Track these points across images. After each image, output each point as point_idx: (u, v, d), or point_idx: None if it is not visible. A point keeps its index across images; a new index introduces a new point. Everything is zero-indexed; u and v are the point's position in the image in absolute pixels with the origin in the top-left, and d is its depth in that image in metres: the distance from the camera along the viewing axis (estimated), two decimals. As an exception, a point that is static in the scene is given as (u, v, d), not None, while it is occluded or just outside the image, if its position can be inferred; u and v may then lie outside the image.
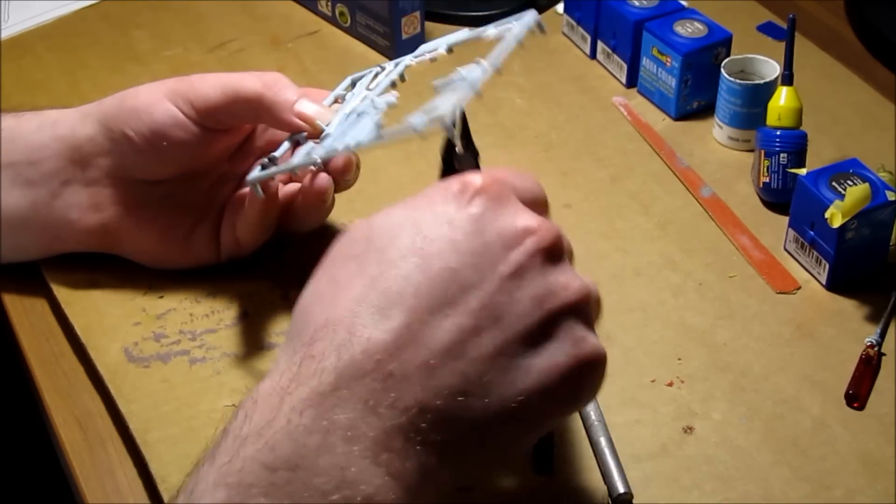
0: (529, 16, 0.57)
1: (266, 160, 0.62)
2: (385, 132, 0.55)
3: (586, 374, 0.48)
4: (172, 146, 0.64)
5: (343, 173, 0.64)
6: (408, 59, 0.64)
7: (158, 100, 0.64)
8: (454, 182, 0.48)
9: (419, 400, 0.45)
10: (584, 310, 0.48)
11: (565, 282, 0.47)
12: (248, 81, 0.63)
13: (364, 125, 0.58)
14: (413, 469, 0.45)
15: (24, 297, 0.70)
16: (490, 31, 0.59)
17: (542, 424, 0.49)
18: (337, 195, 0.67)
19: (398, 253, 0.46)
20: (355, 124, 0.59)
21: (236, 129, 0.67)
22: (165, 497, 0.57)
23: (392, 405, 0.44)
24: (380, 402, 0.44)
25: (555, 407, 0.48)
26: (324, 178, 0.63)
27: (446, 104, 0.51)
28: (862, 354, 0.64)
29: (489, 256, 0.46)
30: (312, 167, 0.63)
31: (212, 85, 0.63)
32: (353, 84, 0.66)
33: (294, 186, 0.67)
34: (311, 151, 0.60)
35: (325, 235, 0.71)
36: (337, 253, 0.49)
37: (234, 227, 0.67)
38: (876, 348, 0.65)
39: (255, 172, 0.62)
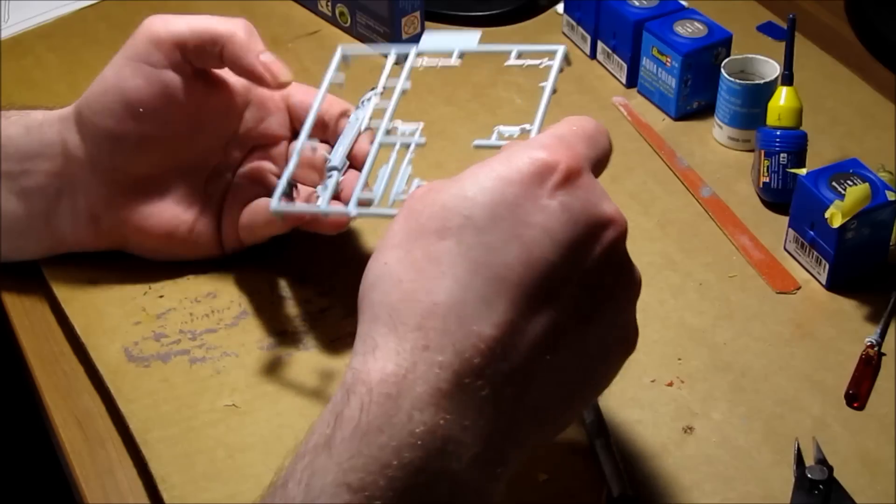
0: (560, 53, 0.59)
1: (286, 185, 0.61)
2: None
3: (629, 350, 0.50)
4: (151, 111, 0.62)
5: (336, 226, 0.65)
6: (412, 62, 0.63)
7: (122, 65, 0.62)
8: (539, 157, 0.46)
9: (524, 401, 0.45)
10: (638, 293, 0.50)
11: (633, 270, 0.49)
12: (217, 21, 0.62)
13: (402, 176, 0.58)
14: (509, 467, 0.46)
15: (24, 297, 0.70)
16: (512, 60, 0.60)
17: (583, 401, 0.52)
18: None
19: (500, 237, 0.45)
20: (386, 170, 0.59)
21: (215, 86, 0.65)
22: (165, 497, 0.57)
23: (500, 408, 0.45)
24: (486, 403, 0.44)
25: (600, 385, 0.51)
26: (346, 217, 0.62)
27: None
28: (862, 354, 0.64)
29: (579, 249, 0.46)
30: (345, 216, 0.61)
31: (179, 23, 0.62)
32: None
33: (267, 165, 0.68)
34: (348, 207, 0.59)
35: (324, 235, 0.71)
36: (429, 223, 0.46)
37: (236, 225, 0.67)
38: (876, 348, 0.65)
39: (279, 203, 0.60)
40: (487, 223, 0.45)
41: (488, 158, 0.47)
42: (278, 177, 0.68)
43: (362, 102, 0.65)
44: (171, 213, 0.67)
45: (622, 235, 0.48)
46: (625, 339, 0.50)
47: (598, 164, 0.50)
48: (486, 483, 0.45)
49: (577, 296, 0.46)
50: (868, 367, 0.64)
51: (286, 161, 0.68)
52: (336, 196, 0.62)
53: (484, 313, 0.44)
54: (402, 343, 0.44)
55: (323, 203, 0.61)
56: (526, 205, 0.45)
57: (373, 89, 0.65)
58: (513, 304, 0.44)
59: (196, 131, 0.66)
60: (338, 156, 0.63)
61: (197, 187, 0.68)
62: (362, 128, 0.64)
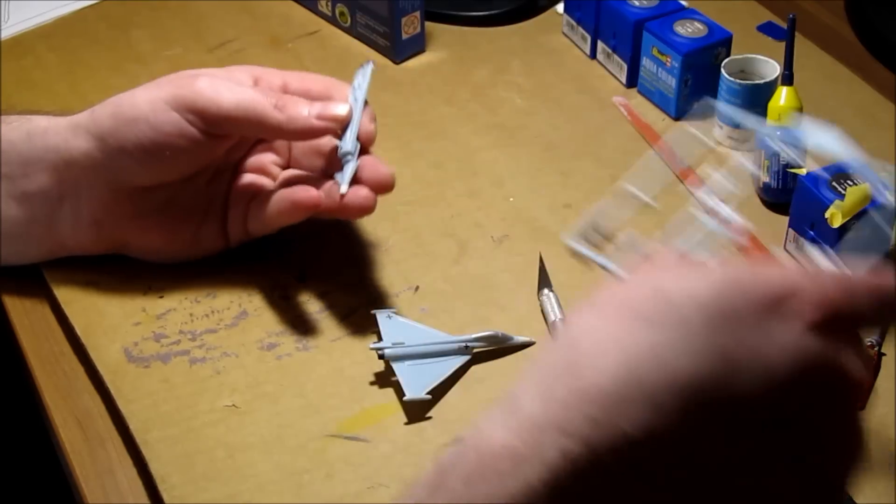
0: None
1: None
2: None
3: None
4: (174, 154, 0.62)
5: (384, 189, 0.64)
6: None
7: (160, 109, 0.61)
8: (790, 278, 0.40)
9: None
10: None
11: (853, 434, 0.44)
12: (262, 107, 0.62)
13: None
14: None
15: (24, 297, 0.70)
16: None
17: None
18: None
19: (705, 347, 0.38)
20: None
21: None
22: (165, 497, 0.57)
23: None
24: None
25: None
26: (369, 199, 0.63)
27: None
28: (862, 354, 0.64)
29: (793, 398, 0.40)
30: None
31: (226, 97, 0.62)
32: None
33: (270, 157, 0.68)
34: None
35: (325, 235, 0.72)
36: (641, 307, 0.40)
37: (244, 219, 0.67)
38: (876, 348, 0.65)
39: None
40: (703, 328, 0.39)
41: (724, 267, 0.42)
42: (282, 168, 0.68)
43: (354, 88, 0.66)
44: (173, 217, 0.67)
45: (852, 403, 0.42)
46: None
47: (861, 319, 0.42)
48: None
49: (762, 435, 0.39)
50: (868, 367, 0.64)
51: (289, 152, 0.69)
52: (355, 179, 0.63)
53: (649, 415, 0.38)
54: (545, 415, 0.39)
55: (344, 188, 0.62)
56: (762, 326, 0.39)
57: (362, 66, 0.66)
58: (684, 417, 0.38)
59: (215, 151, 0.66)
60: (349, 141, 0.63)
61: (199, 190, 0.68)
62: (362, 108, 0.65)
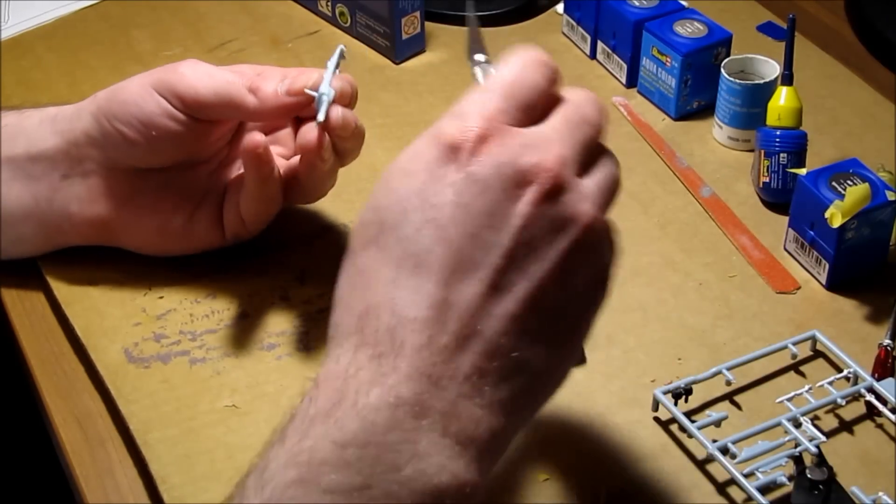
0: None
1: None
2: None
3: (611, 278, 0.49)
4: (162, 136, 0.64)
5: (339, 129, 0.63)
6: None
7: (147, 91, 0.64)
8: (445, 135, 0.47)
9: (477, 365, 0.45)
10: (596, 233, 0.47)
11: (575, 211, 0.47)
12: (237, 91, 0.63)
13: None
14: (482, 434, 0.45)
15: (24, 298, 0.70)
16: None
17: (586, 335, 0.50)
18: (336, 197, 0.66)
19: (413, 227, 0.46)
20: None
21: (228, 121, 0.67)
22: (165, 497, 0.57)
23: (453, 376, 0.45)
24: (442, 375, 0.45)
25: (589, 323, 0.49)
26: (316, 130, 0.62)
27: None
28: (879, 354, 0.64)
29: (500, 212, 0.46)
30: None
31: (204, 83, 0.63)
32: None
33: (295, 159, 0.67)
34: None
35: (325, 236, 0.72)
36: (355, 243, 0.48)
37: (237, 206, 0.67)
38: (891, 350, 0.64)
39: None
40: (399, 219, 0.46)
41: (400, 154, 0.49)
42: (285, 159, 0.68)
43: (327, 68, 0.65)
44: (167, 202, 0.67)
45: (550, 186, 0.46)
46: (604, 269, 0.48)
47: (533, 102, 0.49)
48: (460, 458, 0.45)
49: (514, 256, 0.46)
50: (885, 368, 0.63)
51: (294, 141, 0.68)
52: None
53: (417, 301, 0.45)
54: (345, 343, 0.46)
55: (321, 116, 0.61)
56: (434, 187, 0.46)
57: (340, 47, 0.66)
58: (442, 284, 0.45)
59: (205, 138, 0.66)
60: (324, 86, 0.63)
61: (200, 179, 0.68)
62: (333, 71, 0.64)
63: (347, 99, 0.64)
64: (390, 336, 0.45)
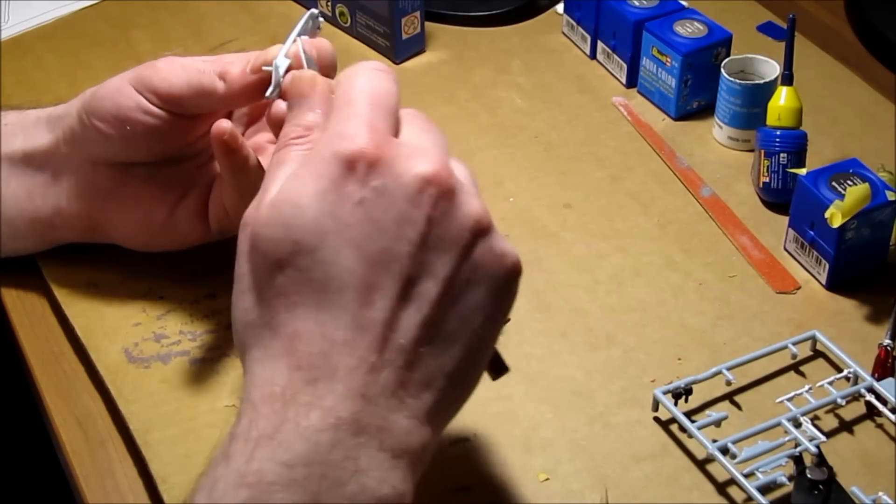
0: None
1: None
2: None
3: (514, 281, 0.50)
4: (138, 131, 0.63)
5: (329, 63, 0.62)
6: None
7: (124, 87, 0.64)
8: (342, 152, 0.48)
9: (400, 379, 0.47)
10: (489, 225, 0.49)
11: (469, 211, 0.48)
12: (208, 79, 0.62)
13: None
14: (413, 444, 0.47)
15: (24, 298, 0.70)
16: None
17: (492, 345, 0.52)
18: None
19: (331, 250, 0.47)
20: None
21: (210, 115, 0.65)
22: (165, 497, 0.57)
23: (382, 392, 0.46)
24: (373, 393, 0.46)
25: (498, 323, 0.51)
26: (276, 107, 0.59)
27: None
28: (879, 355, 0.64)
29: (406, 220, 0.47)
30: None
31: (178, 75, 0.63)
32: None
33: (265, 136, 0.68)
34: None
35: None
36: (262, 262, 0.48)
37: (221, 199, 0.67)
38: (891, 350, 0.64)
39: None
40: (316, 242, 0.47)
41: (295, 165, 0.50)
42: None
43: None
44: (151, 193, 0.67)
45: (447, 189, 0.48)
46: (506, 269, 0.49)
47: (394, 114, 0.51)
48: (397, 470, 0.47)
49: (419, 261, 0.47)
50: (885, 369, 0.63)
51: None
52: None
53: (343, 323, 0.47)
54: (277, 367, 0.47)
55: (268, 91, 0.59)
56: (345, 206, 0.47)
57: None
58: (362, 304, 0.47)
59: (185, 132, 0.66)
60: (279, 57, 0.60)
61: (187, 172, 0.68)
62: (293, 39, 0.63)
63: (322, 67, 0.61)
64: (324, 360, 0.46)
